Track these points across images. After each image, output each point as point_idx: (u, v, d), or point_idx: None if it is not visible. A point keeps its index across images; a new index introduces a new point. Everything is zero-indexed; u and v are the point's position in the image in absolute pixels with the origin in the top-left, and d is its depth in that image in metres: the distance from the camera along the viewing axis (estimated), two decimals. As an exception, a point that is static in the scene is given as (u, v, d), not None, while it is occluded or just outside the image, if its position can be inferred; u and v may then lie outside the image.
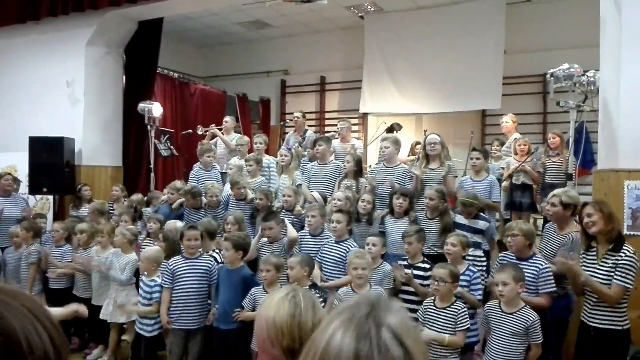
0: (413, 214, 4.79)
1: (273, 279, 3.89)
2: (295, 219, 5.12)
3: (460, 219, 4.71)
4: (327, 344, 0.85)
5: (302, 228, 5.11)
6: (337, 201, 4.89)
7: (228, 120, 7.75)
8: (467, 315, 3.52)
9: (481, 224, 4.64)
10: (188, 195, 5.71)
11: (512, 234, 3.76)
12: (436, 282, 3.55)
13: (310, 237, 4.70)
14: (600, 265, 3.35)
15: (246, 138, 7.15)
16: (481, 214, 4.75)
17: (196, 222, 5.42)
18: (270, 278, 3.88)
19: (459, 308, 3.52)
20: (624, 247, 3.30)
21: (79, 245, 5.37)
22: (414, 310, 3.70)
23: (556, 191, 4.27)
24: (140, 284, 4.47)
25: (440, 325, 3.51)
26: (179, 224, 5.07)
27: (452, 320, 3.49)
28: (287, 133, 9.81)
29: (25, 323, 0.71)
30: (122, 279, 4.75)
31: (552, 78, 5.19)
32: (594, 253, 3.43)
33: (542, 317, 3.56)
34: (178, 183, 6.22)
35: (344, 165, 5.47)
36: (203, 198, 5.74)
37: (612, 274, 3.27)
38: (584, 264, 3.46)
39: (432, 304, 3.61)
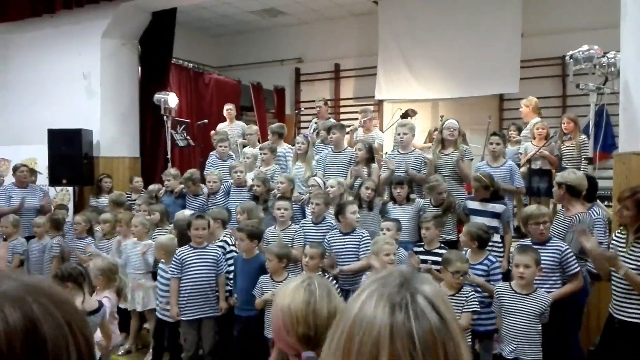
0: (414, 197, 4.82)
1: (276, 268, 3.97)
2: (295, 206, 5.18)
3: (475, 205, 4.64)
4: (357, 316, 0.80)
5: (303, 214, 5.19)
6: (330, 188, 4.97)
7: (231, 108, 7.82)
8: (475, 298, 3.54)
9: (498, 207, 4.55)
10: (189, 182, 5.81)
11: (544, 222, 3.68)
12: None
13: (312, 224, 4.72)
14: (630, 252, 3.22)
15: (255, 127, 7.23)
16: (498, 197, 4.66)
17: (197, 208, 5.59)
18: (272, 267, 3.98)
19: (467, 292, 3.54)
20: None
21: (104, 236, 5.41)
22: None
23: (560, 174, 4.20)
24: (159, 271, 4.51)
25: None
26: (187, 212, 5.11)
27: (461, 306, 3.50)
28: (301, 121, 9.83)
29: (58, 336, 0.68)
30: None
31: (571, 60, 5.09)
32: (625, 238, 3.31)
33: (559, 301, 3.52)
34: (172, 170, 6.34)
35: (356, 154, 5.47)
36: (203, 186, 5.84)
37: None
38: (615, 247, 3.35)
39: None
